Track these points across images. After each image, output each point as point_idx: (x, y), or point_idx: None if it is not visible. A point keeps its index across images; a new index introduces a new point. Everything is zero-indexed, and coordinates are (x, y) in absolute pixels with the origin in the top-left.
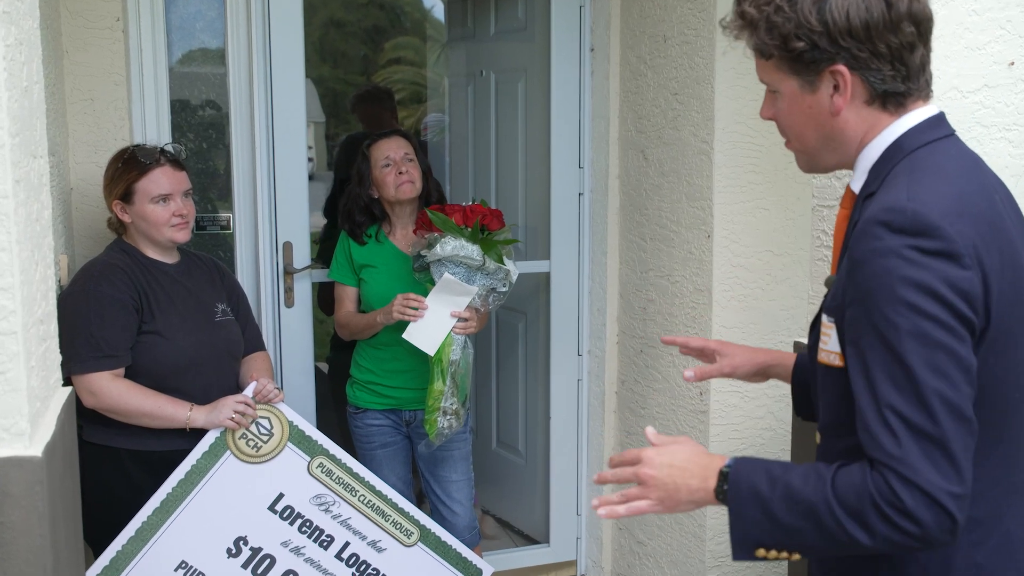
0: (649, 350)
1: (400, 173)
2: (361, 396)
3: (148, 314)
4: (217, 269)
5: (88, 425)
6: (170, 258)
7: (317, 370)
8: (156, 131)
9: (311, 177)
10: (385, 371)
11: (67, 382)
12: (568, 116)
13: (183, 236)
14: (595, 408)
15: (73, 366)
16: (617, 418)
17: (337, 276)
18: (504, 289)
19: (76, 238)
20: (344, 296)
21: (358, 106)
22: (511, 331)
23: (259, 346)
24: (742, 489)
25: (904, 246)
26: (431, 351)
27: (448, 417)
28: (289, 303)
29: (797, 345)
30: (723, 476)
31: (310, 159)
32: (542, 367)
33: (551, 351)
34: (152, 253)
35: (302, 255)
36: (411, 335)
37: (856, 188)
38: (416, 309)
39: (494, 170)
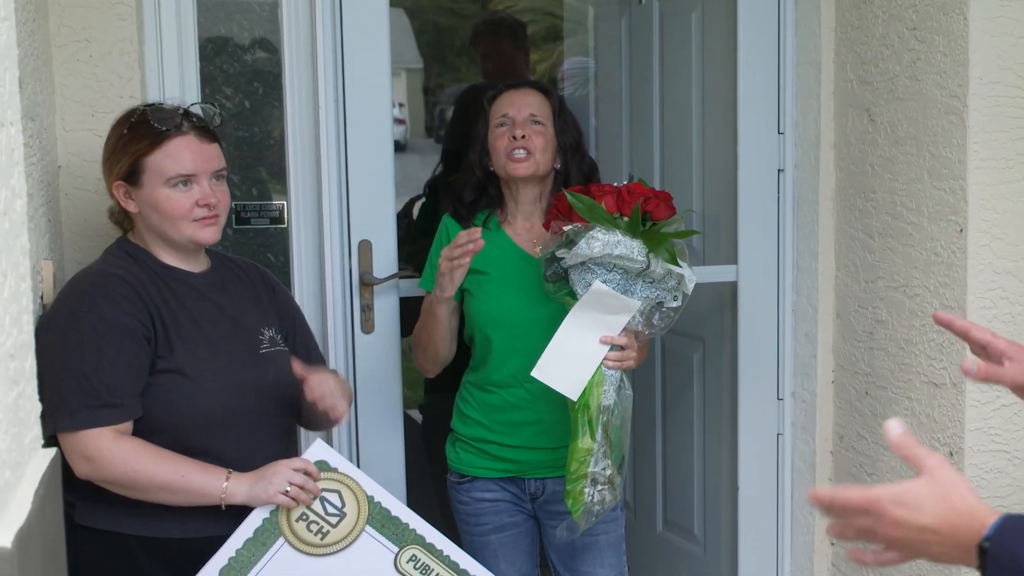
0: (878, 392)
1: (514, 139)
2: (467, 459)
3: (164, 345)
4: (263, 280)
5: (83, 503)
6: (195, 264)
7: (408, 421)
8: (179, 85)
9: (401, 147)
10: (500, 423)
11: (52, 442)
12: (762, 61)
13: (210, 235)
14: (802, 474)
15: (60, 420)
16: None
17: (430, 284)
18: (675, 304)
19: (66, 236)
20: None
21: (478, 41)
22: (683, 365)
23: None
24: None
25: None
26: (573, 394)
27: (600, 488)
28: (367, 327)
29: None
30: (982, 552)
31: (399, 121)
32: (727, 416)
33: (739, 393)
34: (169, 258)
35: (386, 259)
36: (544, 372)
37: None
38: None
39: (657, 136)
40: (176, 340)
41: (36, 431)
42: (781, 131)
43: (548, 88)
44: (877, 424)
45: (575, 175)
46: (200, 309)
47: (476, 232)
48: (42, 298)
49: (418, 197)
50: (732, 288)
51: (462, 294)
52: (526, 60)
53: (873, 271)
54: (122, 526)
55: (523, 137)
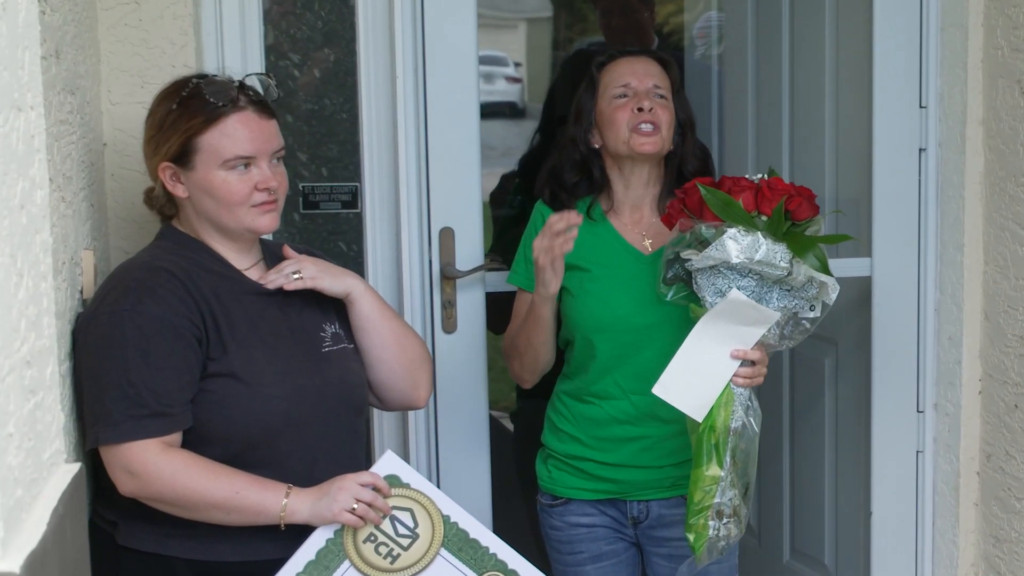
0: None
1: (639, 110)
2: (560, 479)
3: (217, 346)
4: None
5: (126, 523)
6: (249, 256)
7: (499, 429)
8: (240, 52)
9: (518, 111)
10: (599, 439)
11: (96, 457)
12: (902, 24)
13: (269, 223)
14: (945, 497)
15: (102, 432)
16: (979, 515)
17: (521, 280)
18: (813, 315)
19: (111, 222)
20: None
21: None
22: (814, 372)
23: None
24: None
25: None
26: (699, 414)
27: (725, 521)
28: (449, 327)
29: None
30: None
31: (514, 79)
32: (861, 430)
33: (873, 405)
34: (221, 248)
35: (471, 249)
36: (667, 388)
37: None
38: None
39: (787, 109)
40: (230, 341)
41: (58, 445)
42: (923, 105)
43: (668, 59)
44: None
45: (690, 160)
46: (256, 306)
47: (571, 214)
48: (81, 292)
49: (513, 174)
50: (866, 285)
51: (561, 293)
52: (652, 18)
53: None
54: (168, 548)
55: (650, 110)
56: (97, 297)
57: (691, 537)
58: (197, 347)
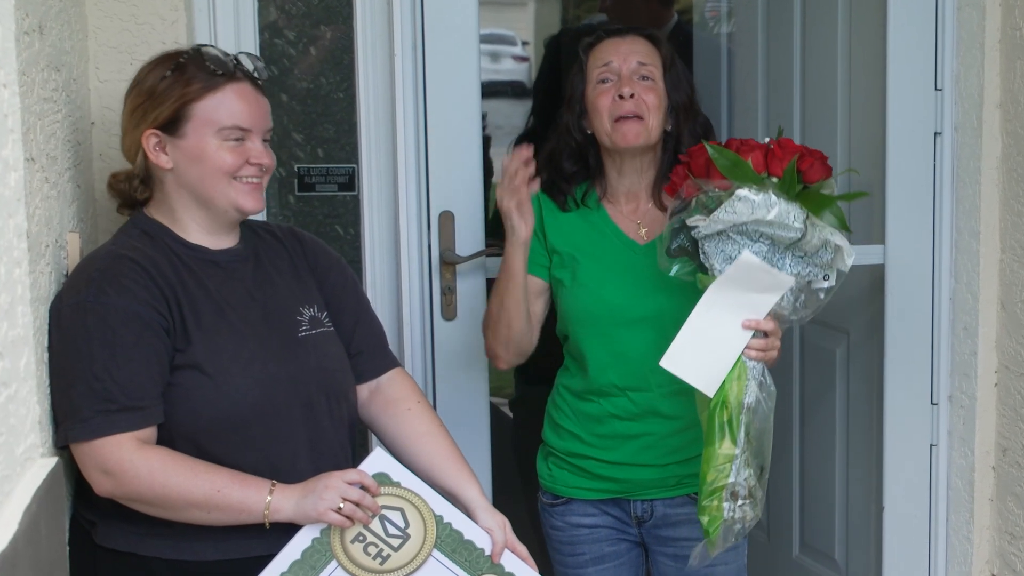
0: None
1: (620, 97)
2: (561, 477)
3: (182, 337)
4: (301, 245)
5: (104, 521)
6: (224, 240)
7: (500, 418)
8: (233, 28)
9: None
10: (599, 436)
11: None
12: (916, 3)
13: (254, 202)
14: (959, 492)
15: (72, 429)
16: (995, 511)
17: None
18: (827, 284)
19: (100, 203)
20: None
21: None
22: (824, 361)
23: (385, 362)
24: None
25: None
26: (710, 389)
27: (741, 503)
28: (448, 313)
29: None
30: None
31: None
32: (873, 423)
33: (885, 397)
34: (196, 233)
35: (471, 233)
36: (675, 361)
37: None
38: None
39: (798, 91)
40: (195, 330)
41: (32, 439)
42: (938, 87)
43: (658, 35)
44: None
45: (687, 139)
46: (225, 292)
47: (521, 151)
48: (67, 276)
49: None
50: (879, 273)
51: (554, 285)
52: None
53: None
54: (146, 547)
55: (631, 96)
56: (62, 290)
57: (705, 520)
58: (165, 337)
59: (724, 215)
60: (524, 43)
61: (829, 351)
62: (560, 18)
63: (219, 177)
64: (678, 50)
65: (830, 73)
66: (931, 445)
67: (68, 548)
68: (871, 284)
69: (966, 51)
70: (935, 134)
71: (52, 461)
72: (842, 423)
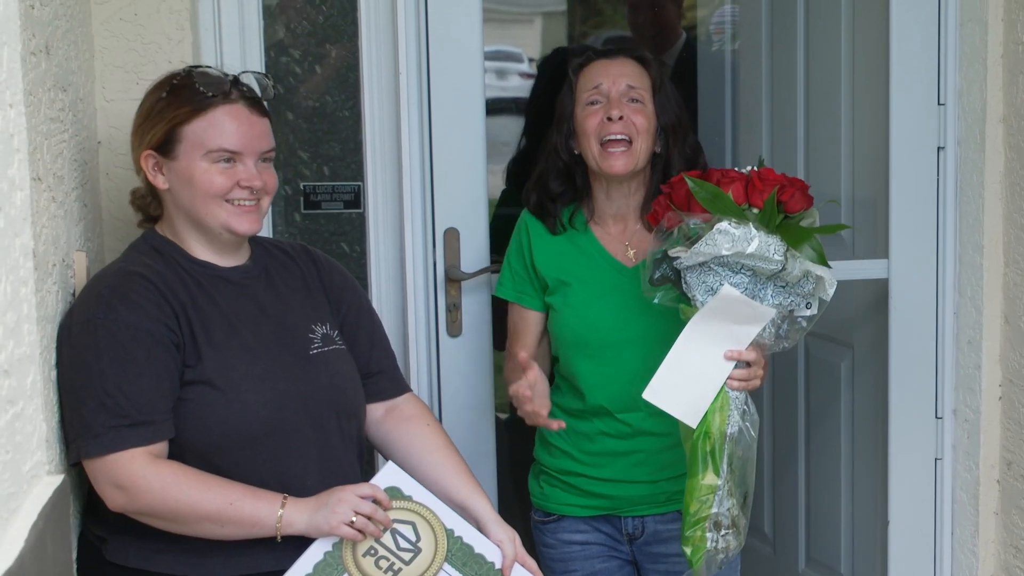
0: None
1: (609, 119)
2: (553, 495)
3: (192, 353)
4: (314, 264)
5: (114, 537)
6: (234, 258)
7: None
8: (239, 48)
9: None
10: (590, 454)
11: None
12: (920, 18)
13: (247, 224)
14: (964, 506)
15: (84, 445)
16: (999, 524)
17: (508, 292)
18: (810, 312)
19: (106, 222)
20: (521, 325)
21: None
22: (829, 376)
23: (403, 384)
24: None
25: None
26: (692, 420)
27: (724, 533)
28: (454, 330)
29: None
30: None
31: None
32: (878, 436)
33: (890, 411)
34: (203, 251)
35: (476, 250)
36: (658, 393)
37: None
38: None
39: (802, 106)
40: (205, 346)
41: (39, 456)
42: (941, 102)
43: (647, 57)
44: None
45: (677, 161)
46: (236, 309)
47: (523, 384)
48: (74, 295)
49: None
50: (883, 288)
51: (547, 306)
52: (679, 14)
53: None
54: (156, 564)
55: (620, 119)
56: (72, 307)
57: (688, 550)
58: (175, 352)
59: (704, 248)
60: (530, 60)
61: (834, 365)
62: (567, 35)
63: (209, 199)
64: (688, 68)
65: (833, 88)
66: (936, 459)
67: (76, 565)
68: (875, 298)
69: (969, 66)
70: (938, 148)
71: (59, 478)
72: (847, 437)
